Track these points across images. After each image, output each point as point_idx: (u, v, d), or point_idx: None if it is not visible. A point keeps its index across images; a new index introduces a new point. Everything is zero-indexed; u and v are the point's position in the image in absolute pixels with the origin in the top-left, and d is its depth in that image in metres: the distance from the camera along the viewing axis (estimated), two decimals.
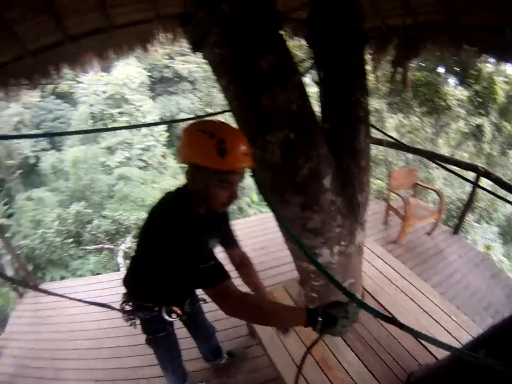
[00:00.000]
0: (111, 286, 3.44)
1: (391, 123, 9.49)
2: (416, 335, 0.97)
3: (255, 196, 14.62)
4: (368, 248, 2.85)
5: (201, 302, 1.92)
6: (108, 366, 2.65)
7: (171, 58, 18.55)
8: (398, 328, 0.99)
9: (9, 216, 9.42)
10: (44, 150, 16.45)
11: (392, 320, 1.02)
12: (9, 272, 3.90)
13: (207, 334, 2.20)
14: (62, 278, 7.03)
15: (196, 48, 1.38)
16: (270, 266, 3.31)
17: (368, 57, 2.74)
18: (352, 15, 1.52)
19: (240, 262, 1.75)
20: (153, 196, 13.69)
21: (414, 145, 8.78)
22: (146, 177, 16.43)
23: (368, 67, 2.30)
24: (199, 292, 1.69)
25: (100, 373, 2.62)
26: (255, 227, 4.06)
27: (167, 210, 1.29)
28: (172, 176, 16.64)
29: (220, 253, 1.47)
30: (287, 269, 3.07)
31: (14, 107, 15.40)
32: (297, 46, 6.36)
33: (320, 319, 1.09)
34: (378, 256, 2.84)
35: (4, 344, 3.12)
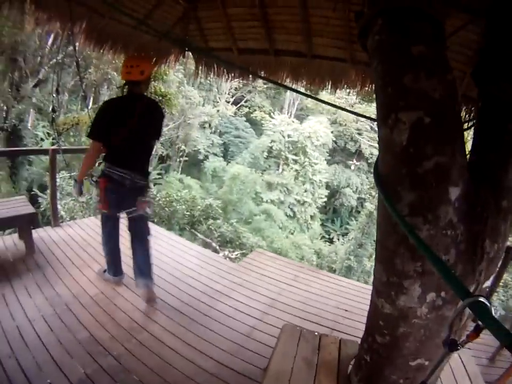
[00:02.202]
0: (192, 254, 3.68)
1: None
2: None
3: None
4: (459, 358, 1.94)
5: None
6: None
7: (359, 133, 19.05)
8: None
9: (155, 184, 10.99)
10: (215, 154, 19.04)
11: None
12: None
13: (143, 234, 2.65)
14: None
15: (361, 35, 1.49)
16: (344, 331, 2.70)
17: None
18: None
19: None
20: (283, 242, 13.90)
21: None
22: (287, 225, 16.99)
23: None
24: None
25: None
26: (351, 290, 3.44)
27: None
28: (309, 237, 16.60)
29: None
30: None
31: (207, 108, 18.08)
32: None
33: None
34: (468, 376, 1.88)
35: None
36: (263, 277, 3.38)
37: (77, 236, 3.57)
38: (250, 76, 3.94)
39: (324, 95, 15.92)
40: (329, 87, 3.46)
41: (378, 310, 1.43)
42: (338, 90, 3.56)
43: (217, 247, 7.95)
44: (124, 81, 2.49)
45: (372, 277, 1.50)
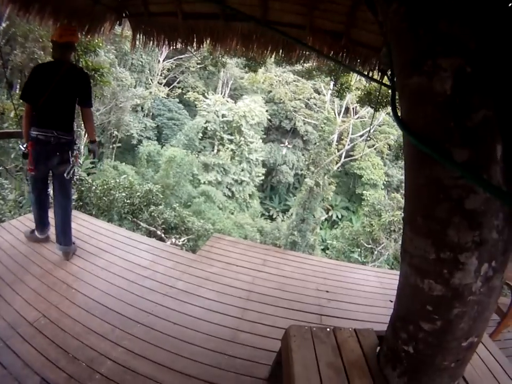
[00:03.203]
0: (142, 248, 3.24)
1: None
2: None
3: None
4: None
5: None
6: None
7: (295, 111, 19.32)
8: None
9: (88, 174, 10.03)
10: (148, 138, 18.10)
11: None
12: None
13: (66, 190, 2.84)
14: None
15: None
16: (333, 314, 2.60)
17: None
18: None
19: None
20: (224, 223, 13.69)
21: None
22: (227, 205, 16.83)
23: None
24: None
25: None
26: (324, 269, 3.36)
27: None
28: (250, 216, 16.68)
29: None
30: (345, 324, 2.40)
31: (139, 90, 17.02)
32: None
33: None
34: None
35: None
36: (230, 266, 3.06)
37: (4, 243, 2.88)
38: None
39: (261, 72, 15.73)
40: (282, 57, 3.22)
41: (424, 294, 1.24)
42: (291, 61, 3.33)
43: (163, 235, 7.34)
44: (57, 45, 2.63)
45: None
